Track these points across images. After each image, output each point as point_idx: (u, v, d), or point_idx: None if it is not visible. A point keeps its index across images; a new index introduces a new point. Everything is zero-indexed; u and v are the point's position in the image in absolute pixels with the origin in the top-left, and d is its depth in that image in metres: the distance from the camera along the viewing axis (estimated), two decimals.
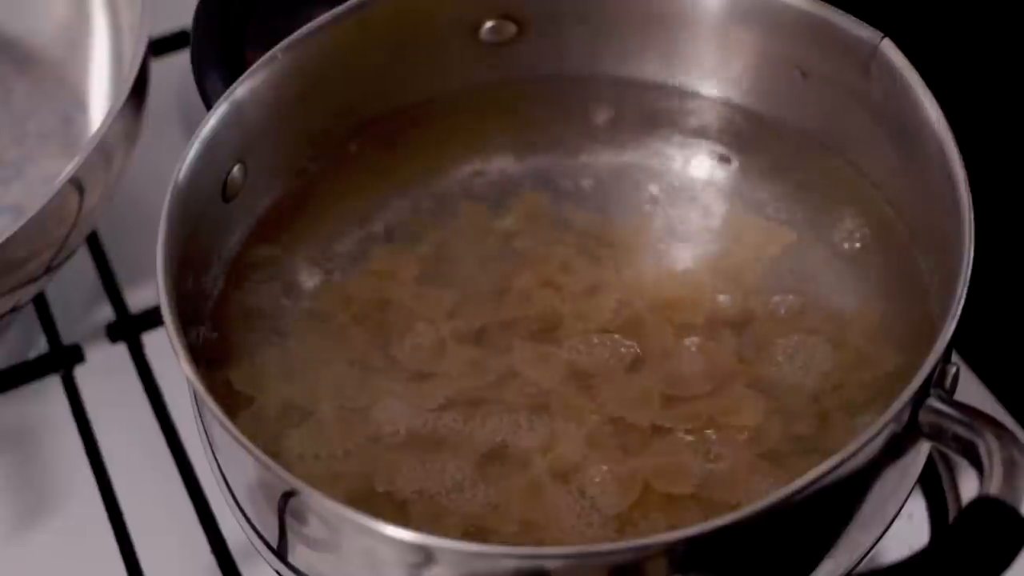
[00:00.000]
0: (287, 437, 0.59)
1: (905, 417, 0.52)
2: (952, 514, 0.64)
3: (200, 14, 0.66)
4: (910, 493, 0.55)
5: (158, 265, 0.56)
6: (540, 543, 0.55)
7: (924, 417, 0.52)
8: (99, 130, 0.66)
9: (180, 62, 0.81)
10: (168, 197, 0.58)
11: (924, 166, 0.58)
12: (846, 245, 0.62)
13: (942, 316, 0.53)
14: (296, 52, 0.63)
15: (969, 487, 0.65)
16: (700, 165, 0.66)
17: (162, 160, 0.76)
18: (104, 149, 0.67)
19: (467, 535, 0.56)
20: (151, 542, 0.66)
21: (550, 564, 0.50)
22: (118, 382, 0.71)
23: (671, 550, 0.49)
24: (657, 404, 0.59)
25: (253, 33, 0.66)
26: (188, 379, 0.54)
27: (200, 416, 0.57)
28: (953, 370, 0.54)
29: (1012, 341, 0.68)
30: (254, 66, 0.62)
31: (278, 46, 0.62)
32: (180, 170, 0.59)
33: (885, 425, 0.51)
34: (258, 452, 0.52)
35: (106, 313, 0.74)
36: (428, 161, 0.66)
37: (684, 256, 0.64)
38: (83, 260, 0.75)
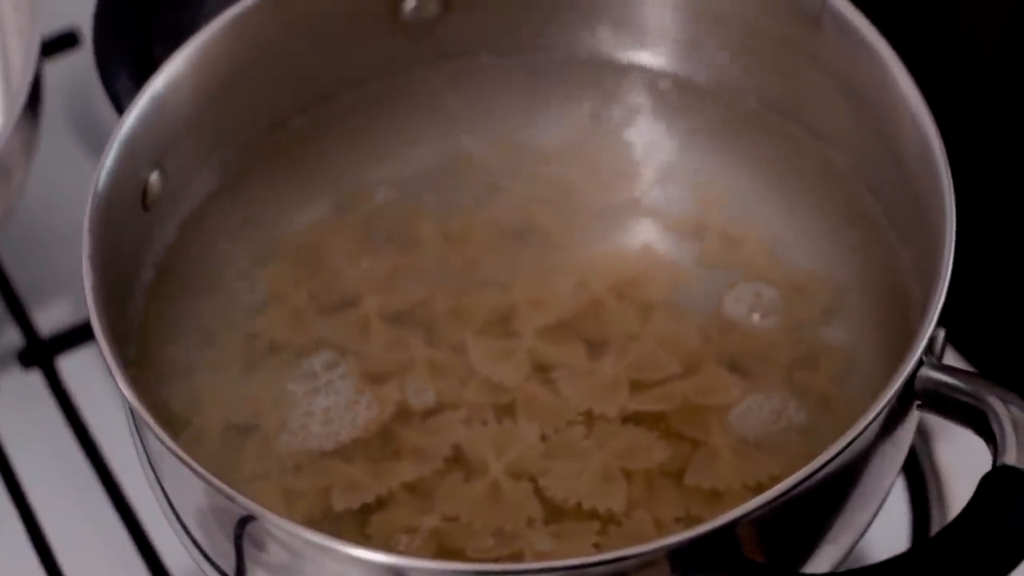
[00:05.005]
0: (233, 456, 0.55)
1: (902, 390, 0.49)
2: (930, 483, 0.61)
3: (101, 11, 0.62)
4: (903, 465, 0.52)
5: (85, 282, 0.52)
6: (518, 555, 0.52)
7: (920, 386, 0.49)
8: None
9: (66, 65, 0.77)
10: (89, 207, 0.54)
11: (888, 129, 0.56)
12: (805, 213, 0.60)
13: (928, 282, 0.51)
14: (210, 45, 0.59)
15: (948, 454, 0.62)
16: (647, 138, 0.63)
17: (57, 171, 0.73)
18: (2, 166, 0.62)
19: (441, 552, 0.52)
20: None
21: None
22: (34, 411, 0.67)
23: (672, 554, 0.46)
24: (626, 392, 0.56)
25: (158, 29, 0.62)
26: (129, 403, 0.51)
27: (141, 441, 0.53)
28: (941, 335, 0.52)
29: (984, 306, 0.66)
30: (167, 62, 0.58)
31: (190, 40, 0.58)
32: (99, 177, 0.55)
33: (888, 401, 0.48)
34: (210, 476, 0.49)
35: (13, 339, 0.69)
36: (356, 151, 0.62)
37: (638, 232, 0.61)
38: None
